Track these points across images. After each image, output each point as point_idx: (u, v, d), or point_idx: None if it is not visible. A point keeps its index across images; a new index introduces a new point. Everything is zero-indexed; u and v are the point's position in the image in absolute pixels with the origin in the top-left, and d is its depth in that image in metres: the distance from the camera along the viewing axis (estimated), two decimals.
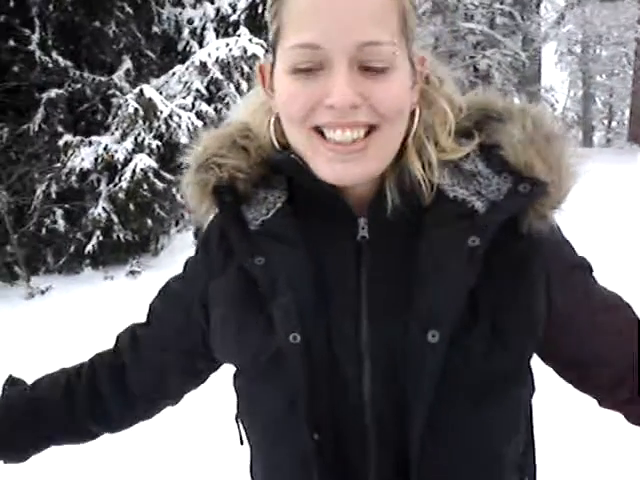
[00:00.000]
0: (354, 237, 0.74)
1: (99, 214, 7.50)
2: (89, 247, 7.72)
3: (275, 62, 0.72)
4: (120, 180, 7.39)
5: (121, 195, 7.38)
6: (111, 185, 7.63)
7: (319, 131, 0.69)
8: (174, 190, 8.09)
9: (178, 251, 8.08)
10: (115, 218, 7.63)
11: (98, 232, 7.71)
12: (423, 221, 0.72)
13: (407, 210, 0.73)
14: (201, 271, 0.85)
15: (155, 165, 7.38)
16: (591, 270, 0.78)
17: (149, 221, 7.97)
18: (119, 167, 7.45)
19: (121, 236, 7.77)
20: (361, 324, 0.71)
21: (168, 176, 8.08)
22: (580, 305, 0.75)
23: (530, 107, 0.73)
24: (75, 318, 5.74)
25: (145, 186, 7.43)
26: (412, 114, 0.73)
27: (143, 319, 0.96)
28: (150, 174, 7.39)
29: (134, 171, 7.21)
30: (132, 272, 7.35)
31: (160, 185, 7.71)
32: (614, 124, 21.98)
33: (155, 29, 9.11)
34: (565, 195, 0.71)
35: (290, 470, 0.75)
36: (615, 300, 0.77)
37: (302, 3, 0.66)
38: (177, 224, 8.51)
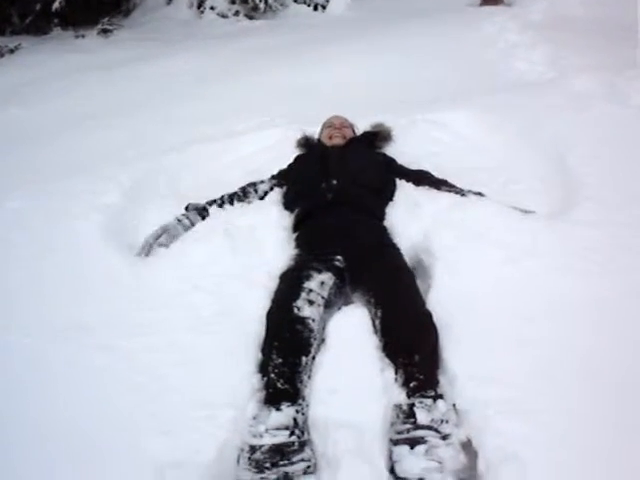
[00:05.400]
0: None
1: None
2: (56, 5, 7.34)
3: (322, 131, 3.00)
4: None
5: None
6: None
7: (330, 137, 2.88)
8: None
9: (150, 11, 7.72)
10: None
11: None
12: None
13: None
14: None
15: None
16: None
17: None
18: None
19: None
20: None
21: None
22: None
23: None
24: (49, 71, 5.68)
25: None
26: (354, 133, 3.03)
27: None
28: None
29: None
30: (104, 30, 7.09)
31: None
32: None
33: None
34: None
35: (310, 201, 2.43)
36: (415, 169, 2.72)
37: (328, 120, 3.02)
38: None
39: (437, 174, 2.62)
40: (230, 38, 6.35)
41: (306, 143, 2.95)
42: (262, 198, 2.62)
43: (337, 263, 2.10)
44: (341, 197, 2.36)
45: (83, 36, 7.14)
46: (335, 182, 2.43)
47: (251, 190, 2.65)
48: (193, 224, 2.44)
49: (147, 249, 2.29)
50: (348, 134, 2.90)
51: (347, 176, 2.46)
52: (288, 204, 2.52)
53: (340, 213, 2.30)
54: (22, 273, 2.23)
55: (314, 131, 3.05)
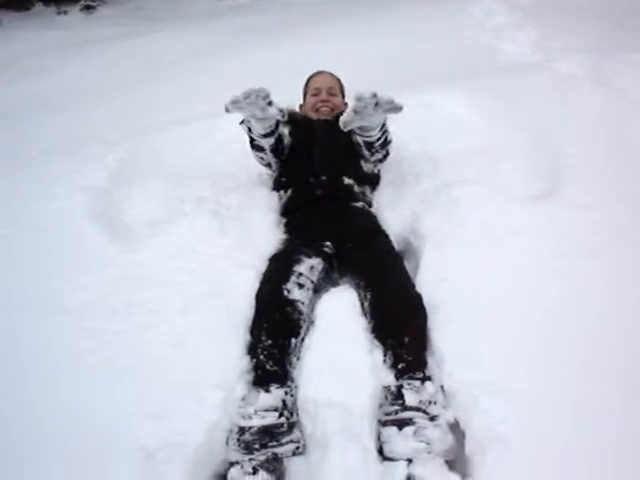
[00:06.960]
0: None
1: None
2: None
3: (307, 97, 2.75)
4: None
5: None
6: None
7: (317, 109, 2.65)
8: None
9: None
10: None
11: None
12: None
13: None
14: None
15: None
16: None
17: None
18: None
19: None
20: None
21: None
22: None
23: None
24: (30, 48, 5.56)
25: None
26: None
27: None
28: None
29: None
30: (87, 7, 6.95)
31: None
32: None
33: None
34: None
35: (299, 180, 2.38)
36: None
37: (315, 80, 2.77)
38: None
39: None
40: (214, 17, 6.26)
41: (288, 119, 2.45)
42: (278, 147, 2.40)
43: (326, 249, 2.11)
44: (330, 192, 2.31)
45: (65, 12, 7.00)
46: (324, 178, 2.33)
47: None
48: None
49: (233, 105, 1.97)
50: (337, 104, 2.69)
51: (334, 169, 2.37)
52: (276, 188, 2.49)
53: (329, 206, 2.26)
54: (4, 254, 2.20)
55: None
